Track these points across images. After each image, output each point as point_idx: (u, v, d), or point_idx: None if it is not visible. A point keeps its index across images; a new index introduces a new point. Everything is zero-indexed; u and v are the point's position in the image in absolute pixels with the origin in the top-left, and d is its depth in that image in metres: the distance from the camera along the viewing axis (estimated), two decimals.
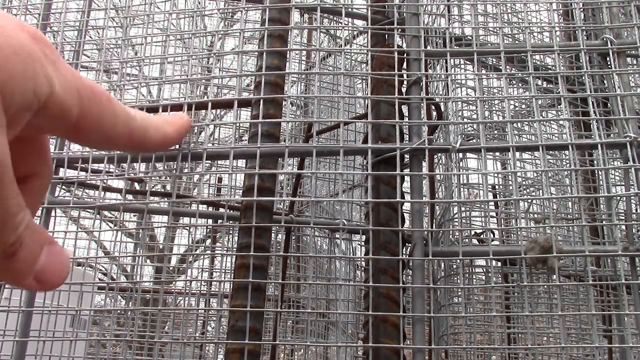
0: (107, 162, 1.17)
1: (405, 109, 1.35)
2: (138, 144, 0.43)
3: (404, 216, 1.30)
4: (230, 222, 2.10)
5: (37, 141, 0.39)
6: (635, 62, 1.62)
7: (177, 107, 1.10)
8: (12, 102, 0.30)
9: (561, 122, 1.94)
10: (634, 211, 1.42)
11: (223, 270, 2.76)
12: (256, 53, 1.59)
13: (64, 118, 0.35)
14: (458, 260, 1.26)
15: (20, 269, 0.33)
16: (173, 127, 0.47)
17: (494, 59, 1.89)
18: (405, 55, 1.33)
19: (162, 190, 3.81)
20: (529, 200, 2.02)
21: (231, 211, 2.06)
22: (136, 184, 3.91)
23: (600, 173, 1.70)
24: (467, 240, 1.58)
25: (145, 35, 1.24)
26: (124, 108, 0.41)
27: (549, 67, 2.10)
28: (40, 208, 1.66)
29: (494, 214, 2.08)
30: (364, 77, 2.13)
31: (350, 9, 2.02)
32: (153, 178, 1.12)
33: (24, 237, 0.32)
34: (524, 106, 2.30)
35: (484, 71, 1.91)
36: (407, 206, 1.36)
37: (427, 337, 1.40)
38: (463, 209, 1.59)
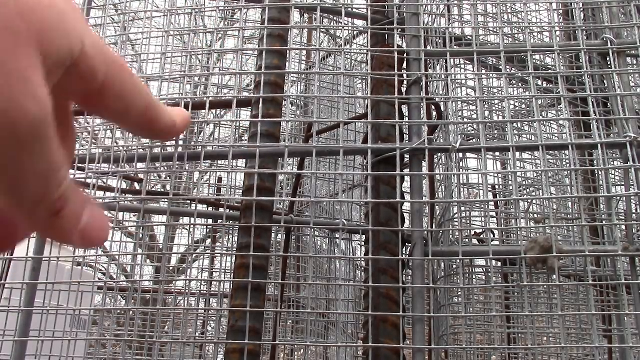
0: (104, 162, 1.17)
1: (405, 109, 1.35)
2: (150, 122, 0.42)
3: (404, 216, 1.30)
4: (230, 222, 2.10)
5: (63, 109, 0.38)
6: (635, 62, 1.61)
7: (175, 107, 1.10)
8: (49, 54, 0.30)
9: (561, 122, 1.94)
10: (634, 211, 1.42)
11: (223, 270, 2.76)
12: (256, 53, 1.59)
13: (91, 79, 0.35)
14: (458, 260, 1.26)
15: (66, 226, 0.33)
16: (179, 118, 0.47)
17: (494, 59, 1.89)
18: (405, 55, 1.33)
19: (163, 190, 3.81)
20: (529, 200, 2.02)
21: (231, 211, 2.06)
22: (136, 184, 3.91)
23: (600, 173, 1.70)
24: (467, 240, 1.58)
25: (144, 31, 1.24)
26: (143, 83, 0.41)
27: (549, 67, 2.10)
28: None
29: (494, 214, 2.08)
30: (364, 77, 2.13)
31: (350, 9, 2.01)
32: (152, 178, 1.12)
33: (68, 194, 0.32)
34: (524, 106, 2.30)
35: (484, 71, 1.91)
36: (407, 206, 1.36)
37: (427, 337, 1.40)
38: (463, 209, 1.59)
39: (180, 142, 1.06)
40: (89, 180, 1.33)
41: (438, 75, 1.74)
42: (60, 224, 0.33)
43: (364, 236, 1.95)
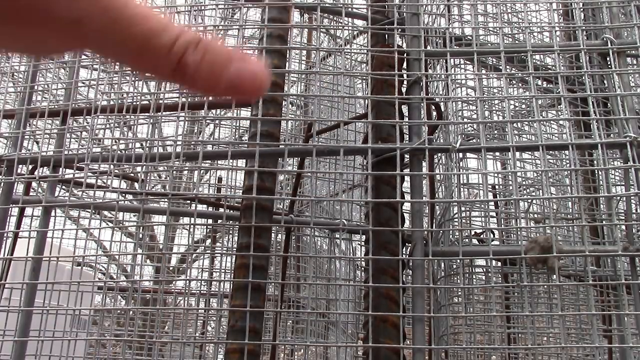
0: (103, 162, 1.17)
1: (405, 109, 1.35)
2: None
3: (404, 216, 1.30)
4: (230, 222, 2.10)
5: None
6: (635, 62, 1.61)
7: (174, 107, 1.10)
8: None
9: (561, 122, 1.94)
10: (634, 211, 1.42)
11: (223, 270, 2.76)
12: (256, 53, 1.59)
13: None
14: (458, 260, 1.26)
15: (204, 75, 0.31)
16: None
17: (494, 59, 1.89)
18: (405, 55, 1.33)
19: (163, 190, 3.80)
20: (529, 200, 2.02)
21: (231, 211, 2.05)
22: (136, 184, 3.91)
23: (600, 173, 1.70)
24: (467, 240, 1.57)
25: None
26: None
27: (549, 67, 2.10)
28: (40, 207, 1.66)
29: (494, 214, 2.08)
30: (364, 77, 2.13)
31: (350, 9, 2.01)
32: (152, 178, 1.12)
33: (191, 45, 0.30)
34: (524, 106, 2.29)
35: (484, 71, 1.90)
36: (407, 206, 1.36)
37: (427, 337, 1.40)
38: (463, 209, 1.58)
39: (179, 140, 1.06)
40: (89, 180, 1.33)
41: (438, 75, 1.73)
42: (193, 73, 0.31)
43: (364, 236, 1.95)
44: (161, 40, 0.30)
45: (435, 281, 1.46)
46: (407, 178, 1.26)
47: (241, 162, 2.32)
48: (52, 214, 1.75)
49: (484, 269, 1.74)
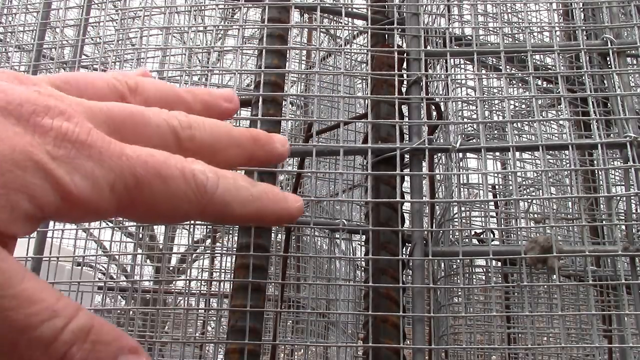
0: None
1: (405, 108, 1.35)
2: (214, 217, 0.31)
3: (404, 216, 1.30)
4: None
5: None
6: (635, 62, 1.61)
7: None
8: None
9: (561, 122, 1.94)
10: (634, 211, 1.42)
11: (223, 270, 2.76)
12: (256, 54, 1.59)
13: (95, 215, 0.30)
14: (458, 260, 1.26)
15: None
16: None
17: (494, 59, 1.89)
18: (405, 55, 1.33)
19: None
20: (529, 200, 2.02)
21: None
22: None
23: (600, 173, 1.70)
24: (467, 240, 1.57)
25: (142, 27, 1.24)
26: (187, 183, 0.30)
27: (549, 67, 2.10)
28: None
29: (494, 214, 2.08)
30: (364, 77, 2.12)
31: (350, 9, 2.01)
32: None
33: (71, 354, 0.27)
34: (524, 106, 2.29)
35: (484, 71, 1.90)
36: (407, 206, 1.36)
37: (427, 337, 1.40)
38: (463, 209, 1.58)
39: None
40: None
41: (438, 75, 1.73)
42: None
43: (364, 236, 1.95)
44: (40, 332, 0.27)
45: (435, 281, 1.46)
46: (407, 178, 1.26)
47: None
48: None
49: (484, 269, 1.74)
